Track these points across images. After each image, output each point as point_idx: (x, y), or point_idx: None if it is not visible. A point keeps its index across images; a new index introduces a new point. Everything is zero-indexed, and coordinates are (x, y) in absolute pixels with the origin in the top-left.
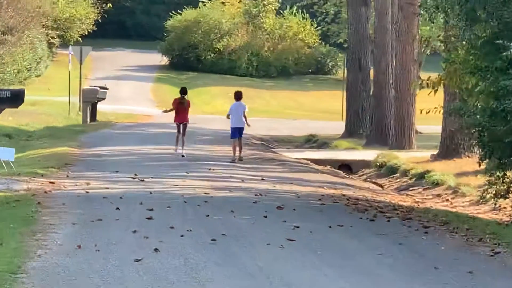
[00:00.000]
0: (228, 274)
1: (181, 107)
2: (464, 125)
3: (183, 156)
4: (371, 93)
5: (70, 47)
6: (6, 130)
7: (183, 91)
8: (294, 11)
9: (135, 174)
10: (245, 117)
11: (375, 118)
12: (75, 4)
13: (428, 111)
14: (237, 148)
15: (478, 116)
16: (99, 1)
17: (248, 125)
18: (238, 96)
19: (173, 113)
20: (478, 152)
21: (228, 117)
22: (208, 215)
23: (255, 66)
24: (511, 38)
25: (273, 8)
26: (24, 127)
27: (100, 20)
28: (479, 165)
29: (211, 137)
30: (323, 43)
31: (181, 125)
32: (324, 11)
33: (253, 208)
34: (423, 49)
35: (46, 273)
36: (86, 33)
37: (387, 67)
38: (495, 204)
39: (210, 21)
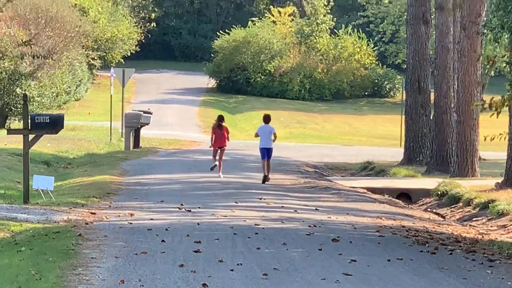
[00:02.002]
0: None
1: (218, 133)
2: None
3: (219, 176)
4: (431, 117)
5: (112, 69)
6: (44, 157)
7: (220, 119)
8: (349, 30)
9: (181, 204)
10: (275, 137)
11: (436, 143)
12: (117, 24)
13: (493, 138)
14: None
15: None
16: (143, 21)
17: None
18: (266, 119)
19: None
20: None
21: (256, 136)
22: (259, 248)
23: (308, 89)
24: None
25: (327, 27)
26: (63, 154)
27: (143, 41)
28: None
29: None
30: (380, 64)
31: (219, 150)
32: (381, 30)
33: (307, 240)
34: (486, 71)
35: None
36: (129, 54)
37: (448, 89)
38: None
39: (260, 41)
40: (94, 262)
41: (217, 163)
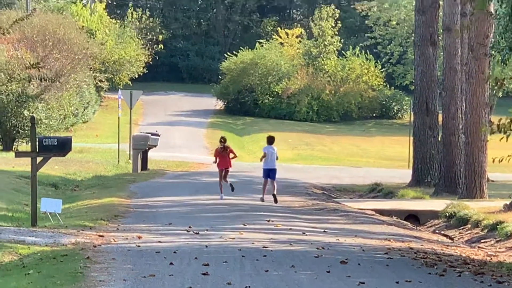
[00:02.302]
0: None
1: (222, 155)
2: None
3: (221, 197)
4: (439, 138)
5: (120, 91)
6: (52, 179)
7: (224, 140)
8: (357, 52)
9: (190, 227)
10: (277, 158)
11: (444, 165)
12: (124, 46)
13: (501, 160)
14: (267, 188)
15: None
16: (150, 42)
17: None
18: (271, 140)
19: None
20: None
21: (261, 159)
22: (267, 270)
23: (316, 110)
24: None
25: (335, 48)
26: (71, 176)
27: (151, 62)
28: None
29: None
30: (388, 85)
31: (224, 170)
32: (389, 51)
33: (315, 263)
34: (494, 92)
35: None
36: (136, 76)
37: (456, 110)
38: None
39: (268, 62)
40: (102, 285)
41: (223, 183)
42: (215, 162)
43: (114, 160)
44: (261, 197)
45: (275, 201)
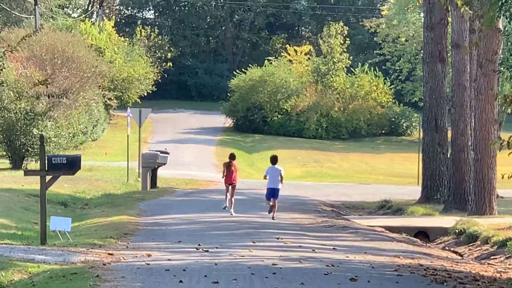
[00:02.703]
0: None
1: (229, 170)
2: None
3: (231, 214)
4: (448, 155)
5: (129, 109)
6: (61, 198)
7: (231, 157)
8: (366, 68)
9: (199, 244)
10: (281, 178)
11: (454, 182)
12: (133, 64)
13: (510, 176)
14: (272, 207)
15: None
16: (159, 60)
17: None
18: (274, 160)
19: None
20: None
21: (265, 178)
22: None
23: (325, 128)
24: None
25: (344, 65)
26: (80, 195)
27: (160, 80)
28: None
29: (278, 204)
30: (397, 102)
31: (230, 186)
32: (398, 68)
33: (324, 280)
34: (503, 108)
35: None
36: (145, 93)
37: (465, 127)
38: None
39: (277, 80)
40: None
41: (227, 204)
42: (223, 175)
43: (123, 178)
44: (269, 213)
45: (273, 218)
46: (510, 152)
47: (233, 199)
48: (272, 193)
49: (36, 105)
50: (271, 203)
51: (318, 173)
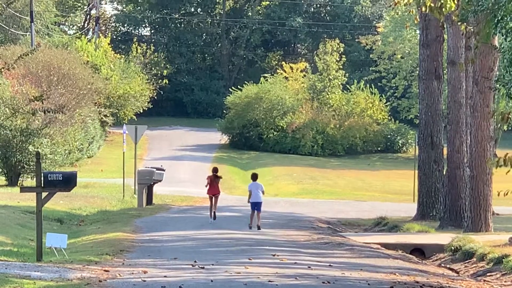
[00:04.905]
0: None
1: (212, 182)
2: None
3: (214, 219)
4: (444, 172)
5: (124, 126)
6: (57, 214)
7: (214, 170)
8: (362, 85)
9: (195, 261)
10: (263, 192)
11: (449, 199)
12: (129, 81)
13: (506, 193)
14: (255, 218)
15: None
16: (155, 77)
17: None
18: (255, 177)
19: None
20: None
21: (250, 195)
22: None
23: (321, 145)
24: None
25: (339, 82)
26: (76, 211)
27: (155, 97)
28: None
29: (274, 220)
30: (393, 119)
31: (213, 196)
32: (394, 85)
33: None
34: (499, 125)
35: None
36: (141, 110)
37: (461, 144)
38: None
39: (273, 97)
40: None
41: (212, 216)
42: (206, 186)
43: (119, 195)
44: (249, 225)
45: (258, 228)
46: (508, 170)
47: (216, 207)
48: (255, 206)
49: (32, 122)
50: (254, 215)
51: (314, 190)
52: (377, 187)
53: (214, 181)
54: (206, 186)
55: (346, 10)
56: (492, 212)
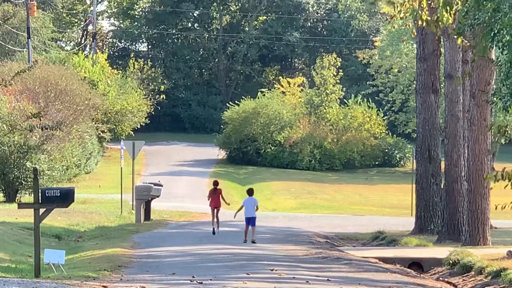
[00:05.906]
0: None
1: (213, 195)
2: None
3: (214, 233)
4: (442, 186)
5: (122, 142)
6: (55, 230)
7: (215, 183)
8: (359, 100)
9: (193, 277)
10: (257, 207)
11: (447, 213)
12: (126, 96)
13: (504, 207)
14: (249, 233)
15: None
16: (152, 93)
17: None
18: (250, 192)
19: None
20: None
21: (241, 207)
22: None
23: (318, 159)
24: None
25: (337, 97)
26: (74, 227)
27: (153, 113)
28: None
29: (272, 235)
30: (390, 133)
31: (215, 209)
32: (391, 99)
33: None
34: (496, 139)
35: None
36: (139, 126)
37: (458, 158)
38: None
39: (270, 112)
40: None
41: (215, 227)
42: (208, 199)
43: (117, 211)
44: (244, 239)
45: (253, 242)
46: (506, 185)
47: (218, 219)
48: (249, 221)
49: (29, 138)
50: (249, 229)
51: (312, 204)
52: (375, 201)
53: (214, 193)
54: (208, 199)
55: (343, 24)
56: (490, 226)
